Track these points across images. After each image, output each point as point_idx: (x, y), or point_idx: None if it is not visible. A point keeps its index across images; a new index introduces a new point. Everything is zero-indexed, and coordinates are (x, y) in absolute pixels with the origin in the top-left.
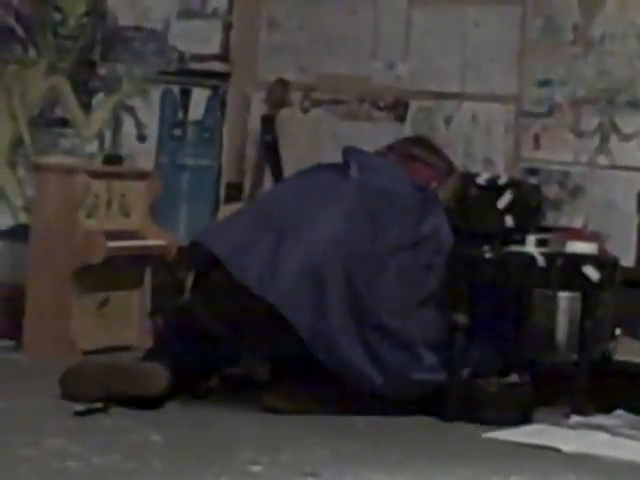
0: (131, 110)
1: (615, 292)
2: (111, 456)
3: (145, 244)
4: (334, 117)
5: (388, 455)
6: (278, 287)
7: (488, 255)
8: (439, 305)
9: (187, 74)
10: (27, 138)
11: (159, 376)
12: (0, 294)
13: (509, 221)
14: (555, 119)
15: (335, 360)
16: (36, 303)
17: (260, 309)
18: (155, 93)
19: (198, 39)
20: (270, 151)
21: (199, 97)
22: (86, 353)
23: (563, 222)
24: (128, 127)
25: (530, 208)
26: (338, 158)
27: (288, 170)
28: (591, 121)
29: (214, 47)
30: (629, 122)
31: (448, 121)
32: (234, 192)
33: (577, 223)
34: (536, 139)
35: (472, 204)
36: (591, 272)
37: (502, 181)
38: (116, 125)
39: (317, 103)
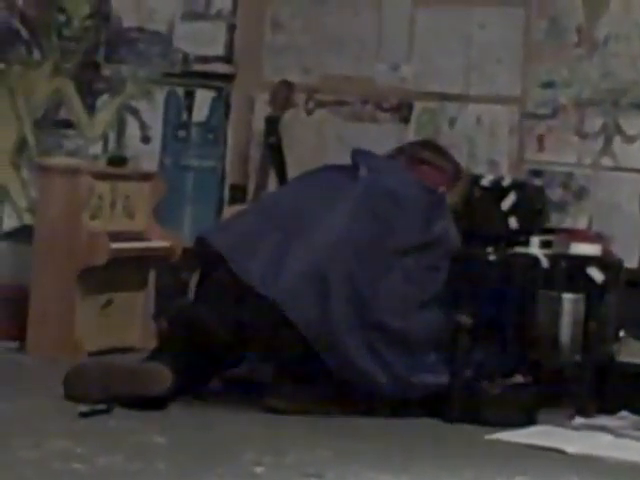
0: (135, 111)
1: (619, 293)
2: (115, 457)
3: (149, 245)
4: (338, 118)
5: (391, 456)
6: (281, 286)
7: (492, 256)
8: (443, 306)
9: (191, 76)
10: (31, 139)
11: (163, 376)
12: (4, 295)
13: (513, 223)
14: (559, 121)
15: (338, 360)
16: (40, 304)
17: (264, 308)
18: (159, 95)
19: (202, 41)
20: (274, 152)
21: (203, 98)
22: (90, 354)
23: (567, 224)
24: (132, 128)
25: (534, 210)
26: (342, 159)
27: (292, 171)
28: (595, 123)
29: (218, 49)
30: (633, 124)
31: (452, 122)
32: (238, 193)
33: (581, 224)
34: (540, 141)
35: (476, 205)
36: (595, 273)
37: (506, 183)
38: (120, 126)
39: (321, 104)
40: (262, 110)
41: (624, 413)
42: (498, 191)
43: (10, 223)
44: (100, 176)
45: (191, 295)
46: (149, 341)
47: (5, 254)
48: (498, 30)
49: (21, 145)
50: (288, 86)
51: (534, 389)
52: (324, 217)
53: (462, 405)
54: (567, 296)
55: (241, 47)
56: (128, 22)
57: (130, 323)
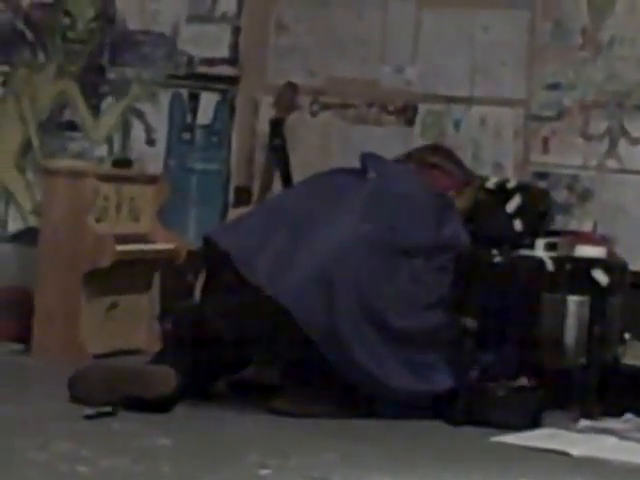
0: (140, 114)
1: (624, 296)
2: (120, 460)
3: (154, 248)
4: (343, 121)
5: (396, 459)
6: (288, 287)
7: (497, 259)
8: (449, 309)
9: (196, 78)
10: (36, 142)
11: (168, 378)
12: (9, 297)
13: (518, 225)
14: (564, 123)
15: (344, 362)
16: (45, 306)
17: (270, 309)
18: (164, 97)
19: (207, 43)
20: (279, 155)
21: (208, 101)
22: (95, 356)
23: (572, 226)
24: (137, 131)
25: (539, 212)
26: (347, 162)
27: (297, 174)
28: (600, 125)
29: (223, 51)
30: (638, 126)
31: (457, 125)
32: (243, 196)
33: (586, 227)
34: (545, 143)
35: (481, 208)
36: (600, 276)
37: (511, 185)
38: (125, 129)
39: (326, 107)
40: (267, 112)
41: (629, 416)
42: (503, 193)
43: (15, 225)
44: (105, 178)
45: (196, 297)
46: (154, 343)
47: (10, 256)
48: (503, 32)
49: (26, 147)
50: (293, 88)
51: (539, 392)
52: (331, 218)
53: (467, 407)
54: (572, 298)
55: (246, 49)
56: (133, 24)
57: (135, 325)
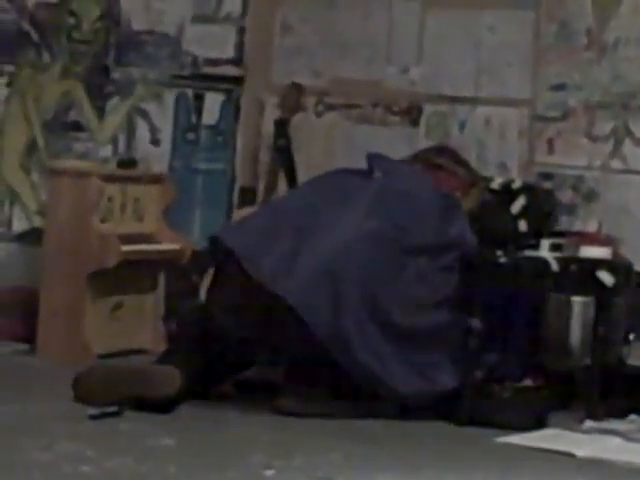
0: (145, 114)
1: (629, 296)
2: (124, 460)
3: (159, 248)
4: (348, 121)
5: (401, 459)
6: (293, 284)
7: (502, 259)
8: (454, 309)
9: (201, 78)
10: (41, 142)
11: (172, 377)
12: (14, 297)
13: (523, 226)
14: (569, 123)
15: (349, 361)
16: (50, 307)
17: (276, 307)
18: (169, 97)
19: (212, 43)
20: (284, 155)
21: (213, 101)
22: (100, 357)
23: (577, 226)
24: (142, 131)
25: (544, 212)
26: (352, 162)
27: (302, 174)
28: (605, 125)
29: (228, 51)
30: None
31: (462, 125)
32: (248, 196)
33: (591, 227)
34: (550, 143)
35: (486, 208)
36: (605, 277)
37: (516, 186)
38: (130, 129)
39: (331, 107)
40: (272, 113)
41: (634, 417)
42: (508, 194)
43: (20, 225)
44: (110, 179)
45: (201, 297)
46: (159, 343)
47: (15, 256)
48: (508, 33)
49: (31, 148)
50: (298, 89)
51: (544, 392)
52: (337, 217)
53: (472, 408)
54: (577, 299)
55: (251, 50)
56: (138, 25)
57: (140, 325)
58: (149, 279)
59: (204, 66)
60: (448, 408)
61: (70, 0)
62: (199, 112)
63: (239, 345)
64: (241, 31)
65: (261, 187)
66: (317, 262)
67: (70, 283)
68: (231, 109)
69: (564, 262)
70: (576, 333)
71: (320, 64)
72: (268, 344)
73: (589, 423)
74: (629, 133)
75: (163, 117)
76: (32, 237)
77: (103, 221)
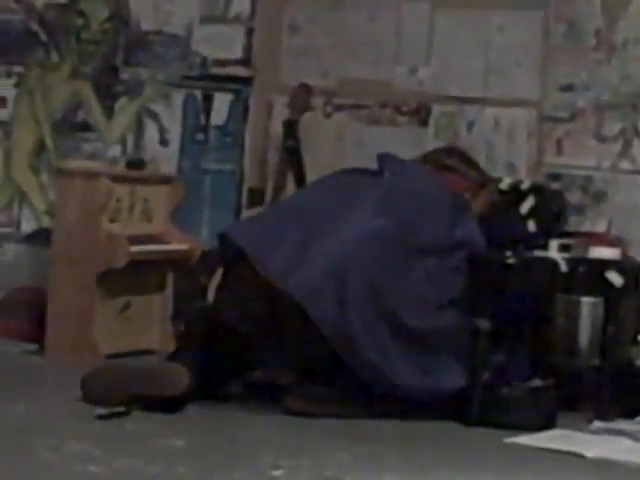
0: (154, 115)
1: (638, 297)
2: (133, 460)
3: (167, 248)
4: (356, 122)
5: (411, 460)
6: (301, 281)
7: (511, 260)
8: (462, 309)
9: (209, 79)
10: (50, 142)
11: (180, 375)
12: (23, 297)
13: (532, 226)
14: (578, 124)
15: (356, 360)
16: (59, 307)
17: (285, 308)
18: (178, 98)
19: (221, 44)
20: (292, 156)
21: (221, 102)
22: (108, 357)
23: (586, 227)
24: (151, 131)
25: (553, 213)
26: (360, 163)
27: (310, 175)
28: (614, 126)
29: (236, 52)
30: None
31: (470, 126)
32: (256, 197)
33: (600, 228)
34: (559, 144)
35: (495, 209)
36: (614, 277)
37: (525, 186)
38: (138, 129)
39: (339, 108)
40: (280, 113)
41: None
42: (517, 195)
43: (29, 226)
44: (119, 179)
45: (209, 298)
46: (167, 344)
47: (24, 257)
48: (517, 33)
49: (40, 148)
50: (306, 89)
51: (552, 393)
52: (346, 216)
53: (481, 408)
54: (586, 300)
55: (259, 50)
56: (146, 25)
57: (148, 326)
58: (157, 279)
59: (213, 67)
60: (456, 408)
61: (79, 0)
62: (208, 112)
63: (247, 345)
64: (250, 32)
65: (269, 188)
66: (325, 261)
67: (79, 283)
68: (240, 109)
69: (573, 263)
70: (585, 334)
71: (329, 64)
72: (276, 344)
73: (598, 424)
74: (638, 134)
75: (172, 117)
76: (41, 237)
77: (112, 221)
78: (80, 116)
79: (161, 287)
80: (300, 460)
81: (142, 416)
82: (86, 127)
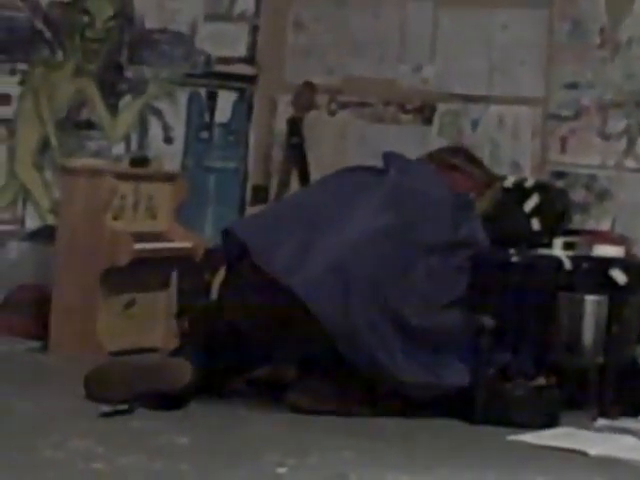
0: (158, 112)
1: None
2: (137, 457)
3: (172, 246)
4: (361, 120)
5: (415, 457)
6: (304, 278)
7: (515, 258)
8: (466, 308)
9: (214, 77)
10: (54, 140)
11: (183, 370)
12: (27, 295)
13: (536, 224)
14: (582, 122)
15: (359, 357)
16: (63, 304)
17: (288, 305)
18: (182, 95)
19: (225, 42)
20: (296, 153)
21: (226, 100)
22: (112, 354)
23: (590, 225)
24: (155, 129)
25: (557, 211)
26: (364, 161)
27: (314, 172)
28: (618, 124)
29: (241, 50)
30: None
31: (475, 124)
32: (260, 194)
33: (604, 226)
34: (563, 142)
35: (499, 207)
36: (618, 275)
37: (529, 184)
38: (143, 127)
39: (344, 106)
40: (284, 111)
41: None
42: (521, 193)
43: (33, 224)
44: (123, 177)
45: (213, 295)
46: (171, 341)
47: (28, 254)
48: (521, 31)
49: (44, 146)
50: (311, 87)
51: (556, 391)
52: (350, 213)
53: (485, 406)
54: (590, 298)
55: (264, 48)
56: (151, 23)
57: (152, 323)
58: (161, 277)
59: (217, 64)
60: (460, 406)
61: None
62: (212, 110)
63: (251, 342)
64: (254, 30)
65: (273, 185)
66: (328, 258)
67: (83, 281)
68: (244, 107)
69: (577, 261)
70: (589, 332)
71: (333, 62)
72: (280, 341)
73: (602, 422)
74: None
75: (176, 115)
76: (45, 235)
77: (116, 219)
78: (84, 114)
79: (165, 284)
80: (304, 457)
81: (146, 413)
82: (90, 125)
